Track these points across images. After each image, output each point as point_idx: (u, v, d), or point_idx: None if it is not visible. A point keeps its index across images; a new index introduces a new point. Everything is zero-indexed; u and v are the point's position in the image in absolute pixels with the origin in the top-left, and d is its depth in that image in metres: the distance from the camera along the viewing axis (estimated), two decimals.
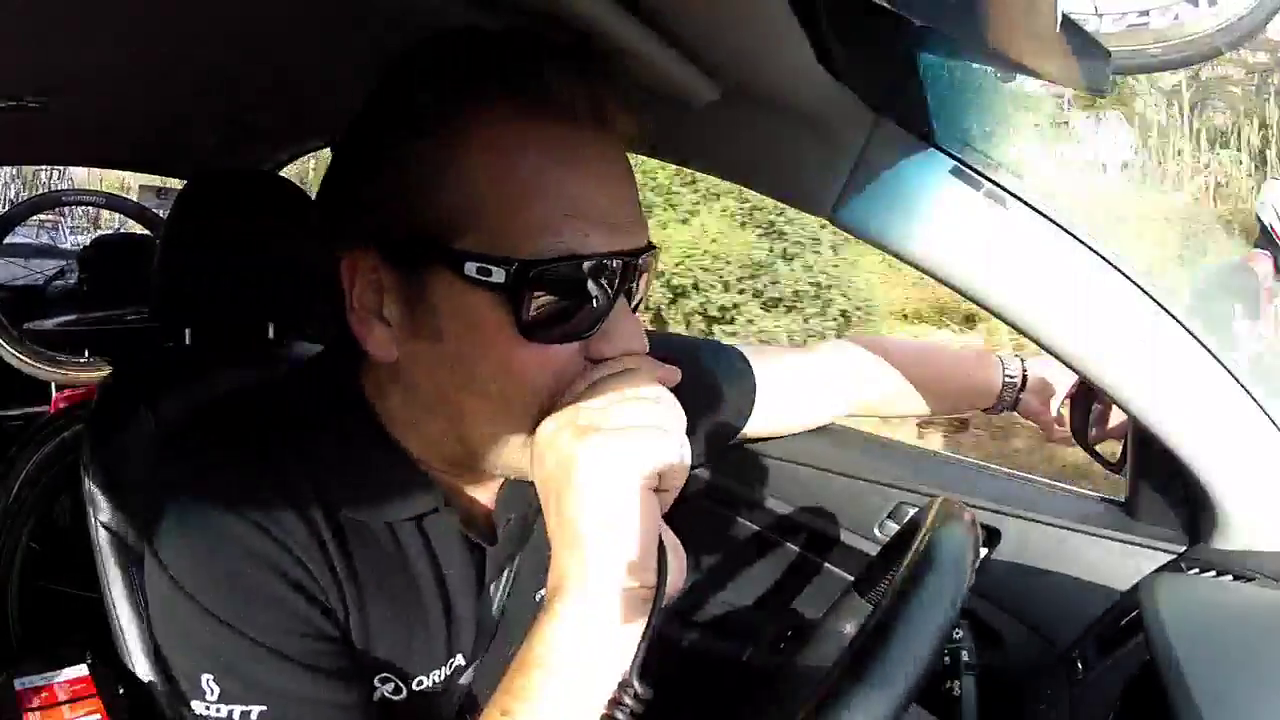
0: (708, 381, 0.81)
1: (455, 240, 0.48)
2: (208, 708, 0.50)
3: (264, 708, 0.50)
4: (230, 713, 0.50)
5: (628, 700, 0.42)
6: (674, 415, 0.47)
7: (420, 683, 0.59)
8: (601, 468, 0.44)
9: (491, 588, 0.62)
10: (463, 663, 0.61)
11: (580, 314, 0.49)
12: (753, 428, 0.90)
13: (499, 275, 0.47)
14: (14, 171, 5.78)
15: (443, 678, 0.60)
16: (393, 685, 0.57)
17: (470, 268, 0.47)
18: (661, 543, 0.45)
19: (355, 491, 0.54)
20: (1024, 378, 0.96)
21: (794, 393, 0.94)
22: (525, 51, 0.48)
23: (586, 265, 0.48)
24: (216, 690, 0.50)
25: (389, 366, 0.53)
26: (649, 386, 0.47)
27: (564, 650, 0.44)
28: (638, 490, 0.44)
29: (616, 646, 0.43)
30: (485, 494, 0.61)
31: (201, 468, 0.54)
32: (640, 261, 0.51)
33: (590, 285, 0.48)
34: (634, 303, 0.53)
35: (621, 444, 0.44)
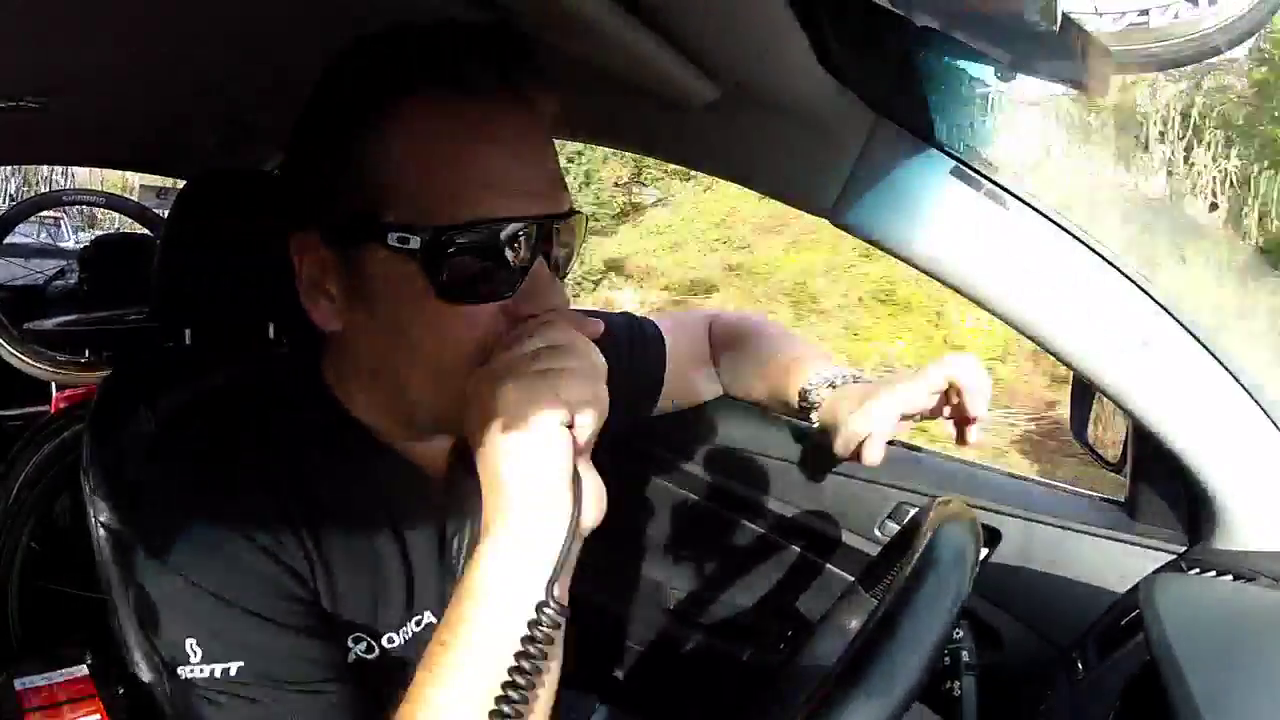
0: (624, 350, 0.86)
1: (382, 215, 0.52)
2: (192, 670, 0.54)
3: (241, 663, 0.54)
4: (212, 671, 0.54)
5: (544, 620, 0.46)
6: (589, 361, 0.50)
7: (391, 639, 0.62)
8: (514, 411, 0.48)
9: (454, 544, 0.64)
10: (433, 620, 0.63)
11: (498, 276, 0.53)
12: (666, 397, 0.93)
13: (415, 242, 0.51)
14: (15, 167, 5.79)
15: (411, 635, 0.63)
16: (365, 644, 0.60)
17: (393, 238, 0.52)
18: (577, 475, 0.49)
19: (317, 466, 0.59)
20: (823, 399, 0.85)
21: (694, 364, 0.96)
22: (447, 42, 0.53)
23: (500, 229, 0.52)
24: (199, 652, 0.54)
25: (339, 343, 0.59)
26: (564, 334, 0.51)
27: (489, 580, 0.48)
28: (549, 429, 0.48)
29: (535, 574, 0.47)
30: (439, 454, 0.64)
31: (182, 458, 0.59)
32: (557, 226, 0.55)
33: (506, 248, 0.52)
34: (564, 266, 0.57)
35: (533, 387, 0.48)
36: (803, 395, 0.84)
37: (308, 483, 0.58)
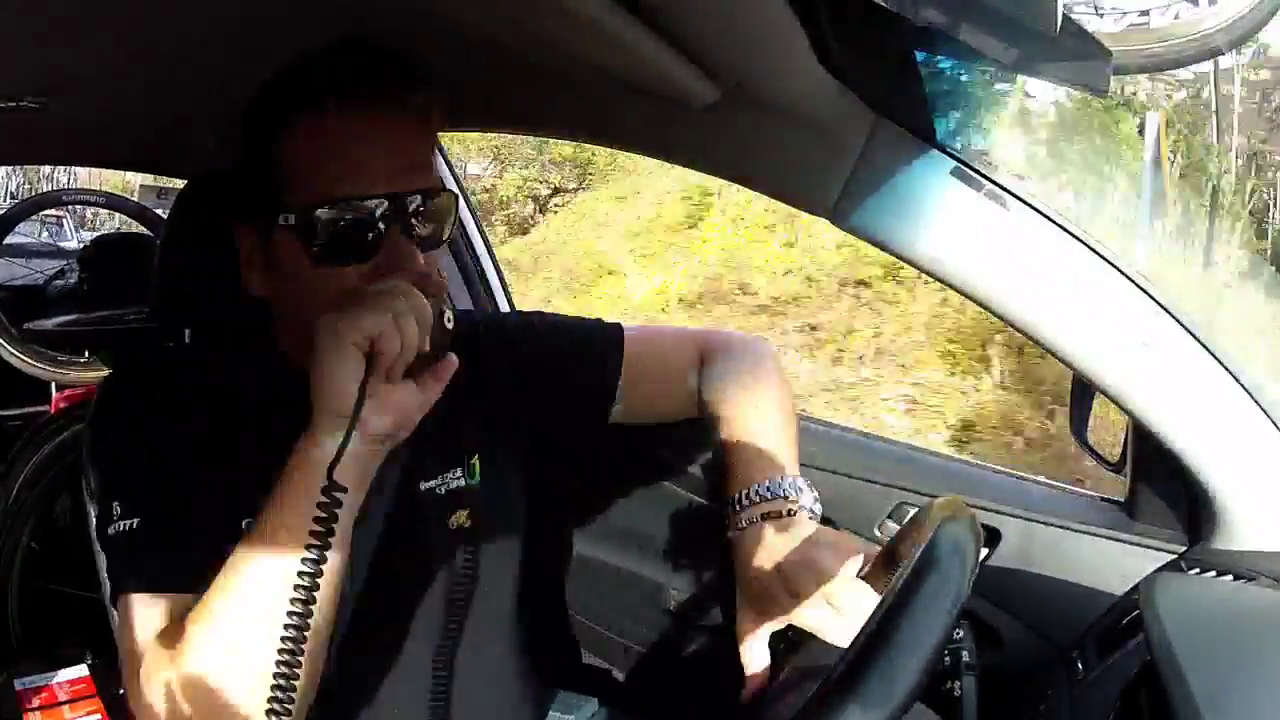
0: (573, 352, 0.90)
1: (281, 202, 0.67)
2: (113, 527, 0.67)
3: (139, 519, 0.67)
4: (124, 526, 0.67)
5: (325, 499, 0.57)
6: (405, 304, 0.60)
7: None
8: (322, 332, 0.60)
9: None
10: None
11: (357, 243, 0.66)
12: (628, 406, 0.90)
13: (292, 219, 0.66)
14: (16, 167, 5.80)
15: None
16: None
17: (282, 218, 0.67)
18: (363, 390, 0.59)
19: (249, 394, 0.73)
20: (757, 522, 0.77)
21: (665, 381, 0.92)
22: (339, 64, 0.67)
23: (355, 204, 0.65)
24: (118, 510, 0.67)
25: (275, 306, 0.75)
26: (393, 283, 0.61)
27: (294, 468, 0.61)
28: (338, 352, 0.59)
29: (322, 462, 0.58)
30: None
31: (139, 392, 0.76)
32: (413, 202, 0.67)
33: (364, 220, 0.66)
34: (432, 238, 0.70)
35: (340, 317, 0.59)
36: (735, 501, 0.79)
37: (238, 406, 0.72)
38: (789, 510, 0.76)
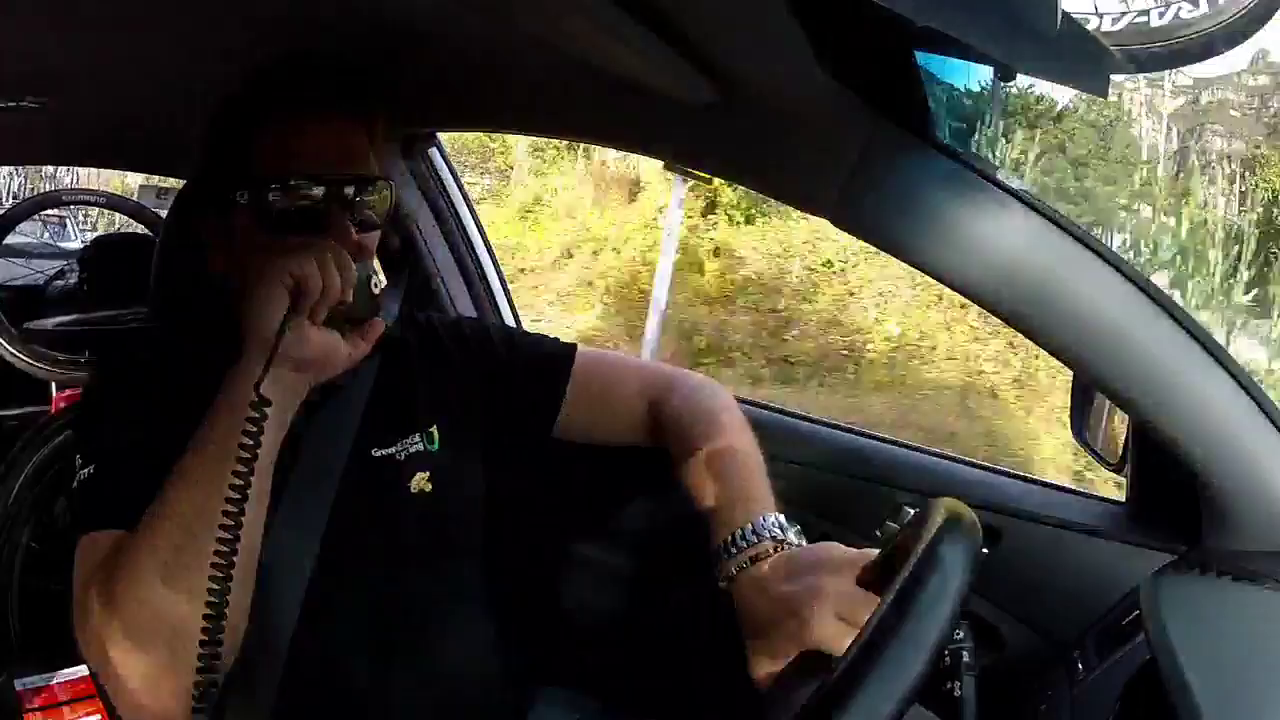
0: (522, 364, 0.95)
1: (240, 186, 0.77)
2: (75, 480, 0.75)
3: (94, 466, 0.74)
4: (83, 475, 0.74)
5: (252, 413, 0.64)
6: (330, 257, 0.70)
7: None
8: (255, 275, 0.69)
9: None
10: None
11: (303, 218, 0.76)
12: (572, 422, 0.94)
13: (247, 196, 0.76)
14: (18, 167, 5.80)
15: None
16: None
17: (240, 196, 0.77)
18: (285, 320, 0.68)
19: (209, 374, 0.75)
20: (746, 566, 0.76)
21: (608, 405, 0.95)
22: (296, 71, 0.79)
23: (300, 182, 0.76)
24: (79, 462, 0.75)
25: (235, 285, 0.80)
26: (323, 241, 0.72)
27: (223, 392, 0.70)
28: (267, 285, 0.68)
29: (248, 383, 0.66)
30: None
31: (116, 372, 0.85)
32: (350, 189, 0.77)
33: (306, 198, 0.76)
34: (371, 221, 0.79)
35: (271, 260, 0.69)
36: (725, 547, 0.78)
37: (199, 383, 0.76)
38: (776, 550, 0.76)
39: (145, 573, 0.65)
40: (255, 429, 0.64)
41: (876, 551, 0.68)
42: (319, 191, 0.76)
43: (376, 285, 0.74)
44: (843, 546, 0.74)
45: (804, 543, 0.78)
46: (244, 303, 0.70)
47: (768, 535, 0.77)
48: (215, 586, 0.61)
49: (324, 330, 0.72)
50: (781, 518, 0.79)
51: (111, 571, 0.66)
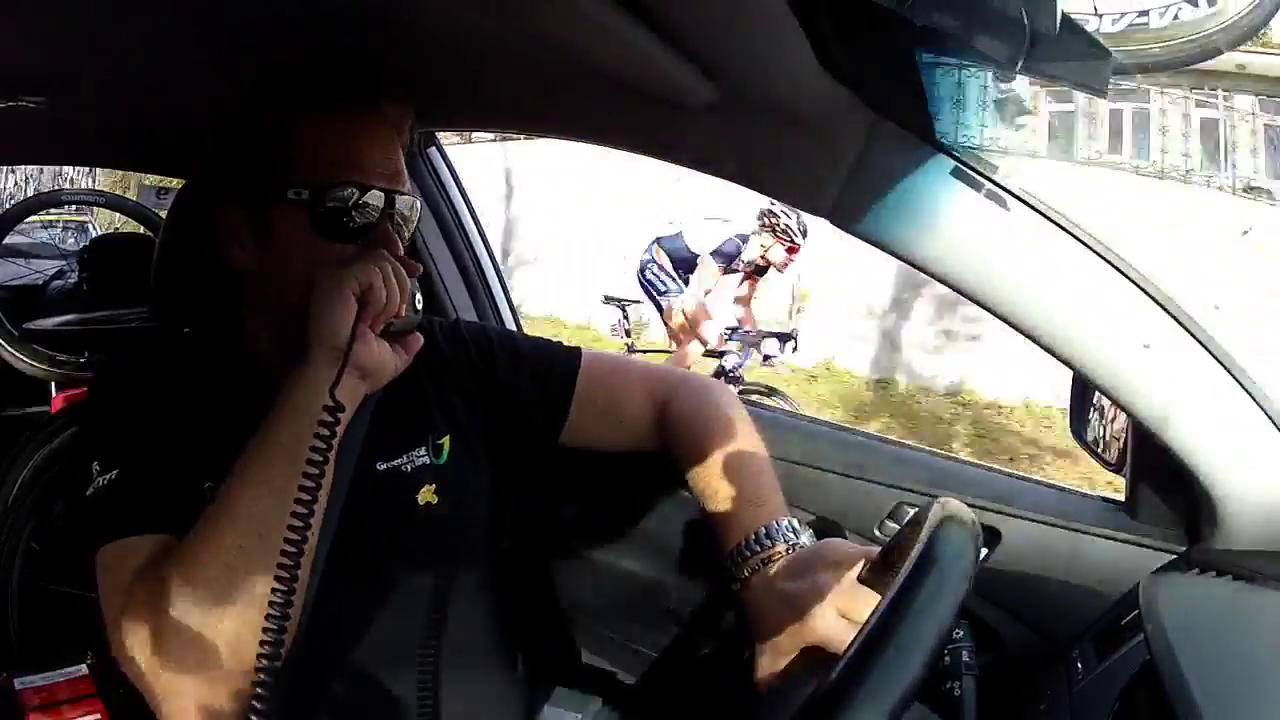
0: (526, 370, 0.94)
1: (288, 182, 0.75)
2: (93, 486, 0.73)
3: (117, 470, 0.72)
4: (103, 481, 0.72)
5: (326, 416, 0.64)
6: (387, 270, 0.71)
7: None
8: (324, 282, 0.70)
9: None
10: None
11: (354, 222, 0.76)
12: (578, 429, 0.93)
13: (305, 194, 0.75)
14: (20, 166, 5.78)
15: None
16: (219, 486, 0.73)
17: (291, 193, 0.75)
18: (355, 328, 0.69)
19: (215, 392, 0.79)
20: (762, 565, 0.77)
21: (615, 410, 0.94)
22: (336, 73, 0.78)
23: (359, 190, 0.76)
24: (97, 468, 0.73)
25: (250, 283, 0.81)
26: (377, 257, 0.72)
27: (290, 394, 0.69)
28: (338, 294, 0.69)
29: (323, 388, 0.66)
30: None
31: (124, 375, 0.83)
32: (396, 201, 0.77)
33: (362, 205, 0.76)
34: (405, 232, 0.79)
35: (342, 268, 0.70)
36: (738, 551, 0.78)
37: (209, 396, 0.78)
38: (788, 553, 0.77)
39: (207, 576, 0.63)
40: (329, 433, 0.64)
41: (879, 548, 0.68)
42: (379, 200, 0.76)
43: (419, 300, 0.75)
44: (846, 542, 0.74)
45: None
46: (310, 306, 0.70)
47: (781, 539, 0.78)
48: (281, 587, 0.60)
49: (379, 340, 0.72)
50: (795, 521, 0.80)
51: (160, 577, 0.64)
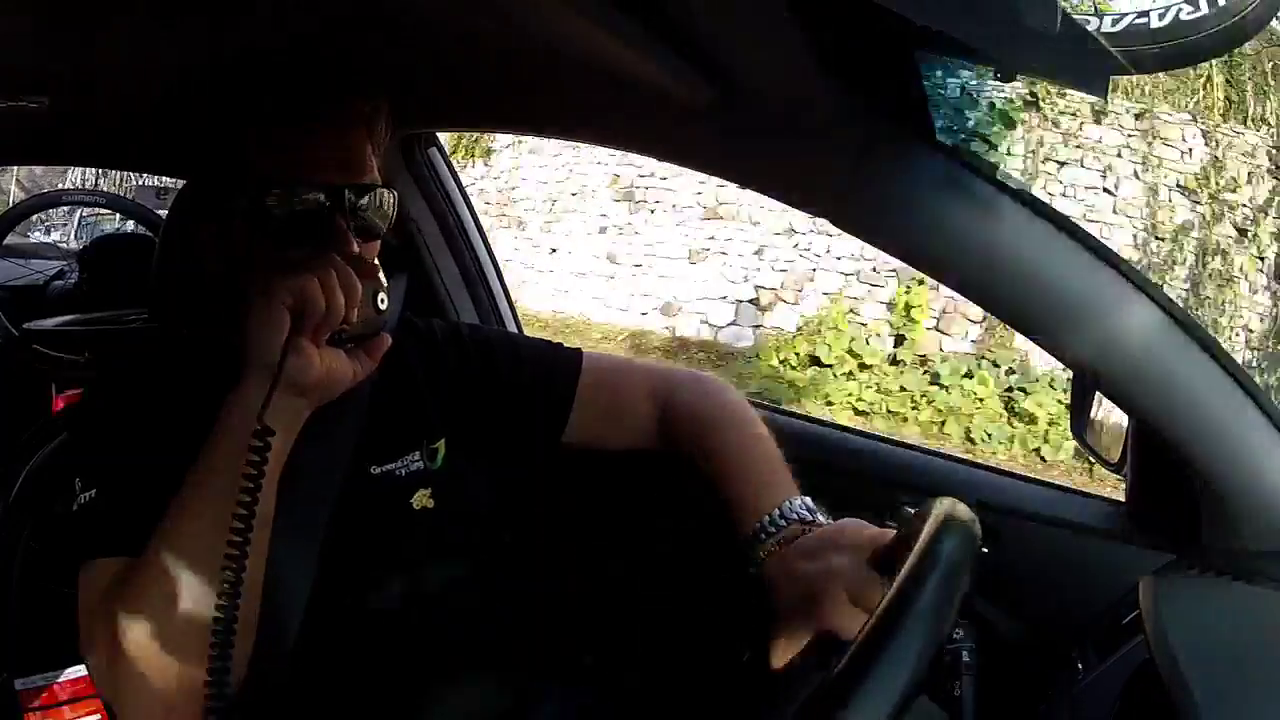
0: (527, 372, 0.93)
1: (240, 189, 0.73)
2: (76, 503, 0.71)
3: (96, 490, 0.71)
4: (84, 499, 0.71)
5: (256, 441, 0.62)
6: (334, 274, 0.66)
7: None
8: (256, 295, 0.66)
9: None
10: None
11: (303, 226, 0.72)
12: (580, 429, 0.92)
13: (245, 201, 0.73)
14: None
15: None
16: None
17: (243, 200, 0.73)
18: (288, 344, 0.65)
19: (208, 393, 0.73)
20: (779, 548, 0.77)
21: (616, 410, 0.94)
22: (295, 71, 0.75)
23: (302, 190, 0.73)
24: (79, 485, 0.71)
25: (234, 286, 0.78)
26: (326, 256, 0.68)
27: (224, 418, 0.67)
28: (267, 306, 0.65)
29: (253, 409, 0.63)
30: None
31: (111, 386, 0.82)
32: (352, 195, 0.74)
33: (309, 205, 0.72)
34: (375, 229, 0.77)
35: (272, 279, 0.66)
36: (755, 535, 0.78)
37: (198, 403, 0.74)
38: (804, 533, 0.76)
39: (151, 601, 0.63)
40: (259, 459, 0.62)
41: (893, 532, 0.68)
42: (320, 197, 0.73)
43: (382, 300, 0.71)
44: (865, 524, 0.74)
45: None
46: (243, 320, 0.67)
47: (795, 518, 0.78)
48: (220, 615, 0.59)
49: (328, 351, 0.68)
50: (808, 500, 0.80)
51: (117, 600, 0.64)
